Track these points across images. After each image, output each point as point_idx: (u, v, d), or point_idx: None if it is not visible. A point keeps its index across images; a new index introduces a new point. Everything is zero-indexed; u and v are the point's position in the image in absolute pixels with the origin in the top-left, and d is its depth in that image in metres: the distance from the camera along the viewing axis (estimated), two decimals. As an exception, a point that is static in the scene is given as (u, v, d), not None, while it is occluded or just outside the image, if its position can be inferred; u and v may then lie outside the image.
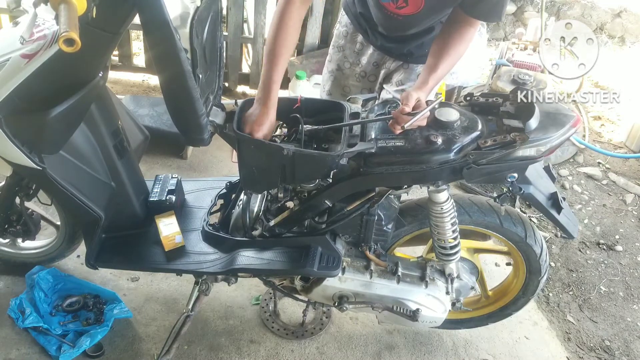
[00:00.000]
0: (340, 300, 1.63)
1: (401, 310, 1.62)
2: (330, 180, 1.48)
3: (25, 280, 1.87)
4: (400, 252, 1.84)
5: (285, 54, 1.38)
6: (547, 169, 1.58)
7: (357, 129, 1.43)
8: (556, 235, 2.71)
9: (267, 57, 1.38)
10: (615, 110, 3.86)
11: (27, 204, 1.81)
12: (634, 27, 4.99)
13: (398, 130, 1.31)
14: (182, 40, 1.20)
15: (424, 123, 1.35)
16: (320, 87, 2.05)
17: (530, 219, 2.39)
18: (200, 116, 1.32)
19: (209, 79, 1.45)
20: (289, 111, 1.46)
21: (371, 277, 1.60)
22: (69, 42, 0.97)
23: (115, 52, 3.20)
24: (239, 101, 1.48)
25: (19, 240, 1.95)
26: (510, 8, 4.97)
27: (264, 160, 1.40)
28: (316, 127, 1.45)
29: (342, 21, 1.86)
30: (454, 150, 1.31)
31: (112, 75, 3.28)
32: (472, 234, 1.72)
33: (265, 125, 1.36)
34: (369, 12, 1.66)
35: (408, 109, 1.29)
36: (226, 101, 1.55)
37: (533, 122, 1.33)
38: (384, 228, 1.59)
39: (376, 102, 1.56)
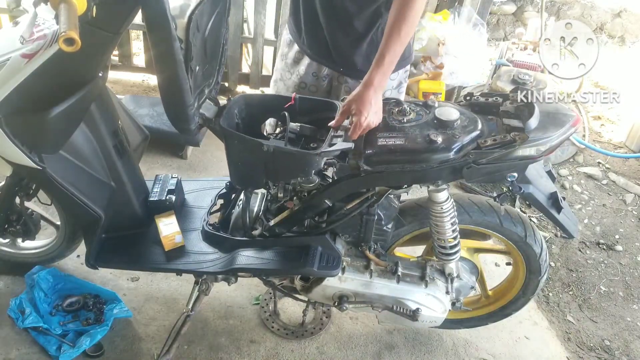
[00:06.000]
0: (340, 300, 1.63)
1: (401, 310, 1.62)
2: (330, 180, 1.48)
3: (25, 280, 1.87)
4: (400, 252, 1.84)
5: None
6: (546, 169, 1.59)
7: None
8: (556, 235, 2.71)
9: (399, 44, 1.36)
10: (615, 110, 3.86)
11: (27, 204, 1.81)
12: (634, 27, 5.00)
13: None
14: (179, 31, 1.21)
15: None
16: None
17: (530, 219, 2.38)
18: (187, 106, 1.32)
19: (206, 73, 1.45)
20: (283, 109, 1.47)
21: (371, 276, 1.60)
22: (69, 41, 0.98)
23: (115, 52, 3.20)
24: (233, 98, 1.50)
25: (19, 240, 1.95)
26: (510, 8, 4.98)
27: (247, 155, 1.41)
28: (300, 124, 1.46)
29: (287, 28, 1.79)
30: (454, 150, 1.31)
31: (112, 75, 3.28)
32: (472, 234, 1.72)
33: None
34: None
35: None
36: (223, 101, 1.55)
37: (533, 122, 1.33)
38: (384, 228, 1.59)
39: None
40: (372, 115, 1.35)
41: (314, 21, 1.62)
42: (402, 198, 1.63)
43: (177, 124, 1.39)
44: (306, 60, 1.72)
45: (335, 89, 1.74)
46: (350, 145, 1.35)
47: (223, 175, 1.97)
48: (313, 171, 1.39)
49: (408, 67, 1.75)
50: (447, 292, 1.63)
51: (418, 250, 1.91)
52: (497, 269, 2.35)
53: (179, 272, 1.69)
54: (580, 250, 2.67)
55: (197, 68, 1.34)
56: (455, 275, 1.65)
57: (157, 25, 1.18)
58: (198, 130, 1.42)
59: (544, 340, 2.13)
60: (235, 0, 3.04)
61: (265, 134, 1.64)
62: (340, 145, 1.34)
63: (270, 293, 2.02)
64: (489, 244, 1.85)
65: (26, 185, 1.75)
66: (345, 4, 1.52)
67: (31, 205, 1.89)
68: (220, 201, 1.81)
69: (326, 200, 1.48)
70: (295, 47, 1.74)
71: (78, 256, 2.05)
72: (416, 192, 1.97)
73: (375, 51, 1.49)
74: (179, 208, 1.81)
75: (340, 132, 1.39)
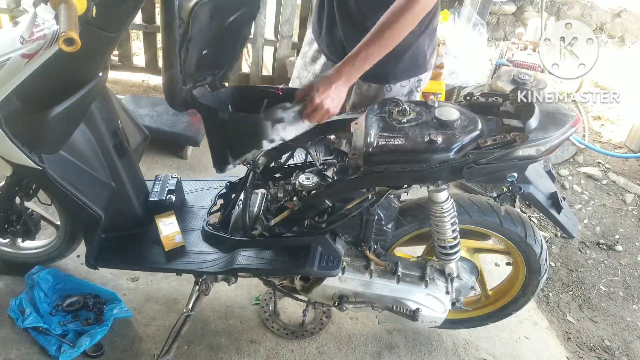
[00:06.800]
0: (340, 300, 1.63)
1: (401, 310, 1.62)
2: (330, 180, 1.47)
3: (25, 280, 1.87)
4: (400, 252, 1.84)
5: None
6: (546, 169, 1.59)
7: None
8: (556, 235, 2.71)
9: (377, 46, 1.35)
10: (615, 110, 3.86)
11: (27, 204, 1.82)
12: (634, 27, 5.00)
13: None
14: (183, 12, 1.22)
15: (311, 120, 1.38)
16: None
17: (530, 219, 2.39)
18: (174, 81, 1.33)
19: (214, 62, 1.45)
20: (270, 100, 1.47)
21: (371, 276, 1.60)
22: (69, 41, 0.98)
23: (115, 52, 3.20)
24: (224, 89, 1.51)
25: (19, 240, 1.95)
26: (510, 8, 4.98)
27: (214, 129, 1.43)
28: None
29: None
30: (454, 150, 1.31)
31: (112, 75, 3.28)
32: (472, 234, 1.72)
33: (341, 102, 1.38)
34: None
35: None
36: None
37: (533, 122, 1.33)
38: (384, 228, 1.59)
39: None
40: (328, 100, 1.34)
41: (333, 21, 1.62)
42: (402, 198, 1.63)
43: (167, 96, 1.40)
44: (322, 59, 1.74)
45: (349, 90, 1.73)
46: (285, 108, 1.36)
47: (223, 175, 1.97)
48: (264, 141, 1.38)
49: (422, 76, 1.69)
50: (447, 292, 1.63)
51: (418, 250, 1.91)
52: (497, 269, 2.35)
53: (179, 272, 1.69)
54: (580, 250, 2.67)
55: (204, 52, 1.35)
56: (455, 275, 1.65)
57: (165, 2, 1.19)
58: (185, 108, 1.44)
59: (544, 340, 2.13)
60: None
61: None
62: (277, 108, 1.35)
63: (270, 293, 2.02)
64: (489, 244, 1.85)
65: (26, 185, 1.75)
66: (359, 5, 1.52)
67: (31, 205, 1.89)
68: (220, 201, 1.81)
69: (326, 200, 1.48)
70: (315, 46, 1.76)
71: (78, 256, 2.05)
72: (416, 192, 1.97)
73: (387, 54, 1.49)
74: (179, 208, 1.81)
75: (296, 107, 1.39)
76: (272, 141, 1.39)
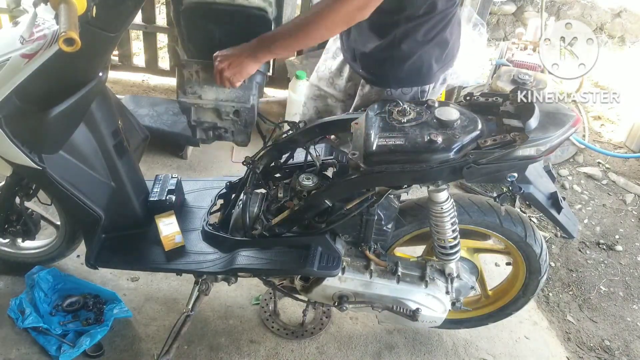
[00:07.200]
0: (340, 300, 1.63)
1: (401, 310, 1.62)
2: (330, 180, 1.47)
3: (25, 280, 1.87)
4: (400, 252, 1.84)
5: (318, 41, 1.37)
6: (546, 169, 1.59)
7: None
8: (556, 235, 2.71)
9: (293, 31, 1.33)
10: (615, 110, 3.86)
11: (27, 204, 1.82)
12: (634, 27, 4.99)
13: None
14: None
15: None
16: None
17: (530, 219, 2.39)
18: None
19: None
20: None
21: (371, 276, 1.60)
22: (69, 41, 0.98)
23: (115, 52, 3.20)
24: None
25: (19, 240, 1.95)
26: (510, 8, 4.97)
27: None
28: None
29: None
30: (454, 150, 1.31)
31: (112, 75, 3.28)
32: (472, 234, 1.72)
33: (244, 71, 1.36)
34: None
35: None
36: None
37: (533, 122, 1.33)
38: (384, 228, 1.59)
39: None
40: (224, 63, 1.33)
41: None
42: (402, 198, 1.63)
43: None
44: (340, 57, 1.74)
45: (353, 93, 1.72)
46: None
47: (223, 175, 1.97)
48: (180, 91, 1.42)
49: (426, 87, 1.59)
50: (447, 292, 1.63)
51: (418, 250, 1.91)
52: (497, 269, 2.35)
53: (179, 272, 1.69)
54: (580, 250, 2.67)
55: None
56: (455, 275, 1.65)
57: None
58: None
59: (544, 340, 2.13)
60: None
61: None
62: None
63: (270, 293, 2.02)
64: (489, 244, 1.85)
65: (26, 185, 1.75)
66: None
67: (31, 205, 1.89)
68: (220, 201, 1.81)
69: (326, 200, 1.48)
70: (338, 43, 1.76)
71: (78, 256, 2.05)
72: (416, 192, 1.97)
73: (390, 59, 1.48)
74: (179, 208, 1.81)
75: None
76: (185, 92, 1.42)
